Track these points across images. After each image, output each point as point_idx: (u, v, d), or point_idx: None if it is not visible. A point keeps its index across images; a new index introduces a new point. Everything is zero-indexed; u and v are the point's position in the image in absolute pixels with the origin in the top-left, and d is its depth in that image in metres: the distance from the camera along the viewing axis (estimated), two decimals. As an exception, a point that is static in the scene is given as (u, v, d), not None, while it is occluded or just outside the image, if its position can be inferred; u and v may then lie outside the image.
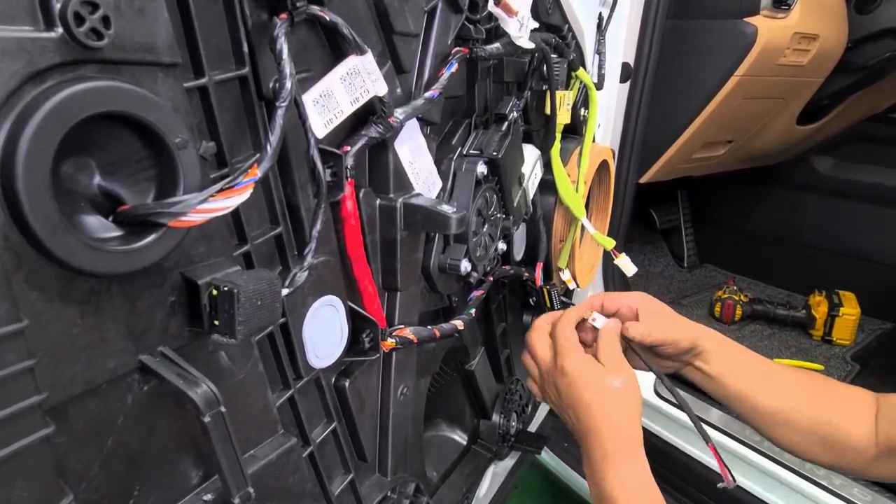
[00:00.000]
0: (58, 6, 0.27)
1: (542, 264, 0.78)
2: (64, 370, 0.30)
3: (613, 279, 1.41)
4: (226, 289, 0.35)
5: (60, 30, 0.27)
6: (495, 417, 0.91)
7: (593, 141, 1.04)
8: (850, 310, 1.57)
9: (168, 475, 0.39)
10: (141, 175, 0.34)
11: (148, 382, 0.36)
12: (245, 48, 0.39)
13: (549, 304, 0.73)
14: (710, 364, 0.71)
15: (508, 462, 1.05)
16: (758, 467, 1.18)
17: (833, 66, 1.35)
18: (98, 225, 0.32)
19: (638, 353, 0.69)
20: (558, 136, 0.85)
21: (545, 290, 0.73)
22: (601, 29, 0.99)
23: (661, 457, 1.33)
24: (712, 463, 1.25)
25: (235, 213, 0.41)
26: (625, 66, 1.18)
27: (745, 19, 1.18)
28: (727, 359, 0.72)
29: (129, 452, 0.36)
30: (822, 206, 1.81)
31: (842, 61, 1.34)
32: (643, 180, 1.42)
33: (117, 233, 0.33)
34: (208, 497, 0.41)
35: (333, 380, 0.56)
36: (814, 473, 1.13)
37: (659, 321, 0.70)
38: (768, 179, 1.89)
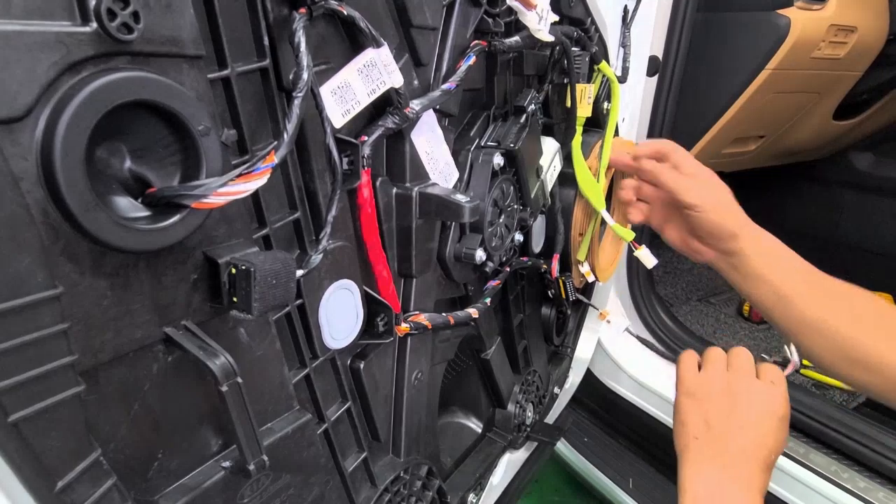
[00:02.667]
0: (92, 2, 0.30)
1: (558, 256, 0.78)
2: (95, 337, 0.33)
3: (638, 275, 1.40)
4: (243, 268, 0.38)
5: (95, 24, 0.30)
6: (511, 407, 0.92)
7: (616, 134, 1.04)
8: (886, 312, 1.52)
9: (190, 441, 0.42)
10: (168, 160, 0.37)
11: (172, 353, 0.39)
12: (266, 41, 0.41)
13: (564, 296, 0.74)
14: (751, 258, 0.67)
15: (524, 452, 1.06)
16: (783, 470, 1.16)
17: (872, 59, 1.31)
18: (128, 205, 0.35)
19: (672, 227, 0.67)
20: (579, 128, 0.85)
21: (560, 282, 0.74)
22: (626, 22, 0.98)
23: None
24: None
25: (255, 198, 0.43)
26: (653, 59, 1.17)
27: (779, 11, 1.15)
28: (772, 256, 0.67)
29: (154, 417, 0.39)
30: (860, 204, 1.76)
31: (882, 54, 1.30)
32: (670, 176, 1.40)
33: (145, 213, 0.35)
34: (227, 464, 0.44)
35: (349, 361, 0.59)
36: (839, 477, 1.11)
37: (708, 191, 0.66)
38: (804, 176, 1.84)
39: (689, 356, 0.70)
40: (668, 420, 1.36)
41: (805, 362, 1.14)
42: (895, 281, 1.66)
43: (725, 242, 0.66)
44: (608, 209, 1.07)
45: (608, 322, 0.91)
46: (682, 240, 0.69)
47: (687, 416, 0.65)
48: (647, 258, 0.86)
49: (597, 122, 0.93)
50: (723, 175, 1.72)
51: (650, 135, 1.23)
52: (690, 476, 0.59)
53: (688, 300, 1.82)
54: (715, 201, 0.66)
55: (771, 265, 0.67)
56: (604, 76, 0.89)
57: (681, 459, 0.62)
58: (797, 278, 0.67)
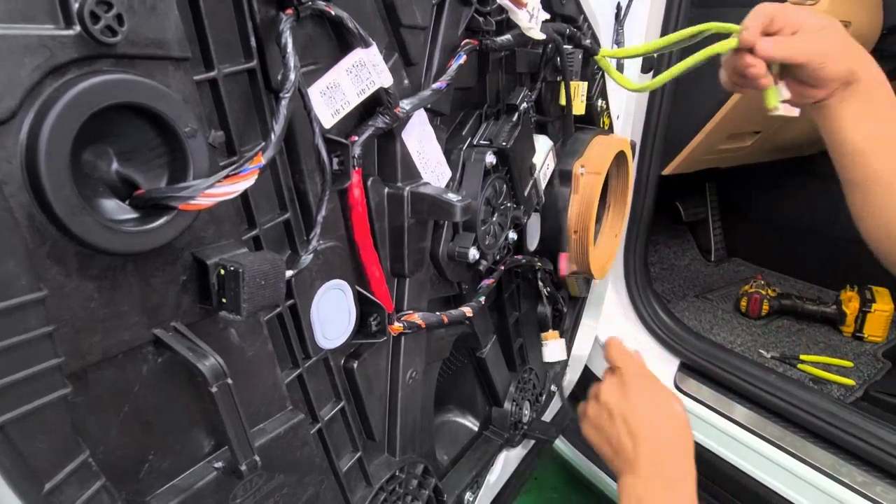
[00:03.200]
0: (76, 6, 0.30)
1: (566, 255, 0.78)
2: (82, 339, 0.33)
3: (635, 272, 1.40)
4: (232, 269, 0.38)
5: (78, 27, 0.30)
6: (507, 405, 0.92)
7: (611, 131, 1.04)
8: (884, 305, 1.52)
9: (181, 442, 0.42)
10: (155, 162, 0.37)
11: (162, 355, 0.39)
12: (253, 42, 0.41)
13: (577, 294, 0.73)
14: (862, 104, 0.63)
15: (521, 450, 1.06)
16: (781, 465, 1.17)
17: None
18: (115, 207, 0.35)
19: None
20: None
21: (571, 281, 0.73)
22: (619, 19, 0.98)
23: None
24: (735, 460, 1.25)
25: (244, 199, 0.43)
26: (647, 56, 1.17)
27: (773, 7, 1.15)
28: (885, 104, 0.63)
29: (144, 419, 0.39)
30: (857, 199, 1.75)
31: (876, 48, 1.30)
32: (666, 172, 1.41)
33: (133, 215, 0.35)
34: (219, 465, 0.44)
35: (342, 361, 0.59)
36: (836, 471, 1.11)
37: (832, 41, 0.60)
38: (800, 171, 1.84)
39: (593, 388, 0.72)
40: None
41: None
42: (892, 275, 1.66)
43: (846, 81, 0.62)
44: (603, 208, 1.08)
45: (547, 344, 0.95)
46: (792, 91, 0.66)
47: (596, 445, 0.68)
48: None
49: (590, 120, 0.94)
50: (721, 171, 1.71)
51: (645, 132, 1.23)
52: (620, 489, 0.62)
53: (685, 296, 1.82)
54: (836, 47, 0.61)
55: (882, 113, 0.63)
56: (599, 72, 0.89)
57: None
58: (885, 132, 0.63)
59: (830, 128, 0.66)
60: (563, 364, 1.16)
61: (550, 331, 0.95)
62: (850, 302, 1.58)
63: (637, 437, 0.61)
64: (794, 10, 0.63)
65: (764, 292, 1.67)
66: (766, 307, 1.65)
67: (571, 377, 1.25)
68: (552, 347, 0.94)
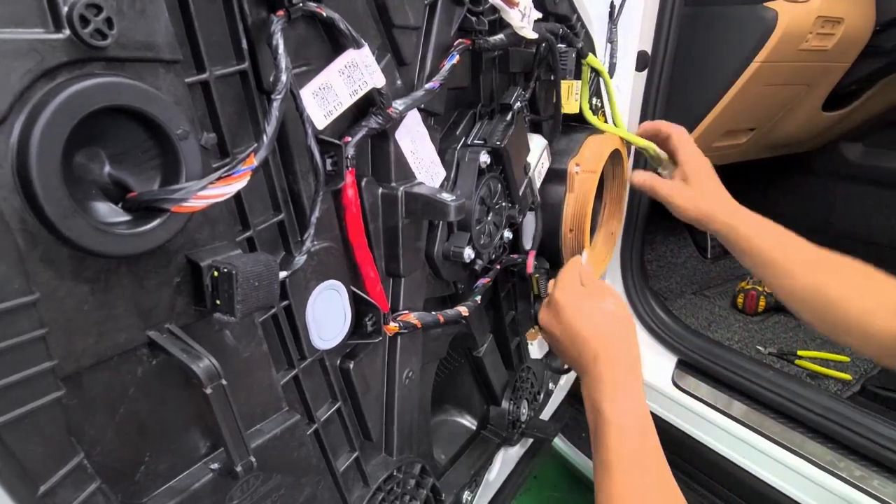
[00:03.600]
0: (65, 9, 0.30)
1: (534, 252, 0.80)
2: (76, 342, 0.33)
3: (632, 269, 1.40)
4: (225, 270, 0.38)
5: (68, 31, 0.30)
6: (505, 404, 0.92)
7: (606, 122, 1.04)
8: (879, 301, 1.52)
9: (177, 444, 0.42)
10: (147, 164, 0.37)
11: (156, 357, 0.39)
12: (244, 44, 0.41)
13: (536, 292, 0.74)
14: (728, 241, 0.78)
15: (520, 449, 1.06)
16: (780, 461, 1.17)
17: (860, 50, 1.31)
18: (108, 210, 0.35)
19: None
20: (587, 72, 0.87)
21: (534, 278, 0.74)
22: (613, 18, 0.98)
23: (680, 448, 1.33)
24: (733, 455, 1.25)
25: (238, 200, 0.44)
26: (641, 54, 1.17)
27: (766, 4, 1.15)
28: (743, 239, 0.77)
29: (140, 421, 0.39)
30: (852, 195, 1.76)
31: (870, 45, 1.30)
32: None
33: (125, 218, 0.35)
34: (215, 466, 0.44)
35: (338, 361, 0.59)
36: (834, 466, 1.11)
37: (687, 192, 0.78)
38: (796, 168, 1.84)
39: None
40: (663, 413, 1.36)
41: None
42: (886, 270, 1.66)
43: (703, 227, 0.79)
44: (598, 207, 1.08)
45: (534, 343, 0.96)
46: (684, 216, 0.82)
47: (557, 352, 0.75)
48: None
49: (584, 119, 0.94)
50: (716, 168, 1.73)
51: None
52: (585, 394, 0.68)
53: (682, 294, 1.82)
54: (688, 200, 0.78)
55: (761, 237, 0.76)
56: (592, 71, 0.89)
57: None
58: (787, 248, 0.75)
59: (740, 259, 0.81)
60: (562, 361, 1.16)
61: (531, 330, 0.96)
62: (846, 297, 1.58)
63: (581, 347, 0.67)
64: (664, 126, 0.86)
65: (760, 289, 1.67)
66: (762, 303, 1.66)
67: (570, 375, 1.25)
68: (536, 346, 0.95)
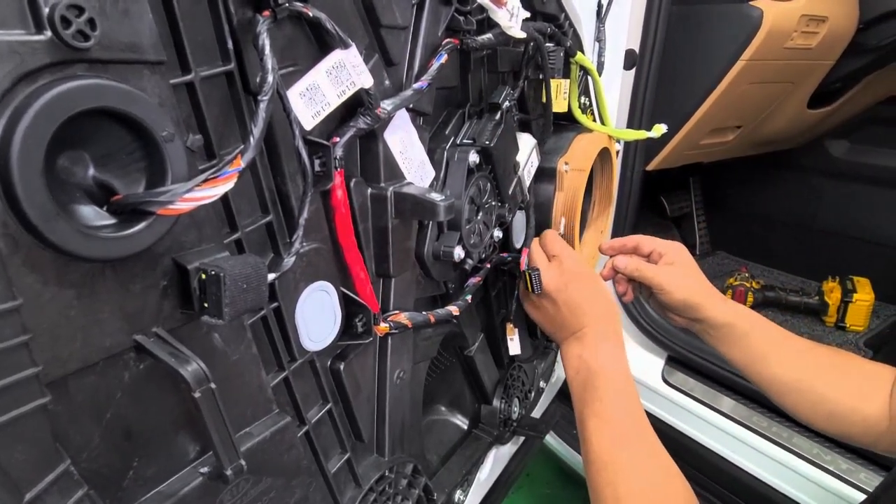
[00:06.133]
0: (46, 10, 0.29)
1: (527, 250, 0.80)
2: (61, 347, 0.33)
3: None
4: (213, 273, 0.38)
5: (49, 32, 0.30)
6: (496, 402, 0.92)
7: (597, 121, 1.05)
8: (864, 296, 1.55)
9: (166, 449, 0.42)
10: (132, 167, 0.36)
11: (143, 361, 0.39)
12: (230, 45, 0.41)
13: (531, 289, 0.75)
14: (715, 337, 0.77)
15: (511, 447, 1.07)
16: (768, 455, 1.18)
17: (844, 48, 1.33)
18: (92, 213, 0.35)
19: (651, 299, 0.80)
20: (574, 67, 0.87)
21: (527, 275, 0.75)
22: (601, 17, 0.99)
23: (669, 443, 1.34)
24: (722, 450, 1.26)
25: (225, 202, 0.43)
26: (629, 53, 1.18)
27: (751, 3, 1.17)
28: (734, 336, 0.76)
29: (127, 426, 0.39)
30: (837, 191, 1.78)
31: (853, 43, 1.32)
32: (650, 167, 1.42)
33: (110, 221, 0.35)
34: (204, 470, 0.44)
35: (329, 363, 0.58)
36: (821, 459, 1.13)
37: (673, 276, 0.77)
38: (782, 164, 1.86)
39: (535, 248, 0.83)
40: (653, 409, 1.37)
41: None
42: (872, 266, 1.69)
43: (688, 314, 0.77)
44: (588, 205, 1.08)
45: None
46: (658, 305, 0.82)
47: (538, 322, 0.81)
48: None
49: (573, 118, 0.94)
50: (704, 166, 1.74)
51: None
52: (563, 352, 0.74)
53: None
54: (675, 282, 0.77)
55: (730, 339, 0.76)
56: (581, 69, 0.90)
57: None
58: (764, 341, 0.76)
59: (717, 348, 0.79)
60: (552, 360, 1.17)
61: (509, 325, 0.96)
62: (832, 292, 1.60)
63: (577, 313, 0.73)
64: (658, 243, 0.82)
65: (749, 284, 1.69)
66: (750, 299, 1.68)
67: (561, 373, 1.26)
68: (516, 341, 0.96)
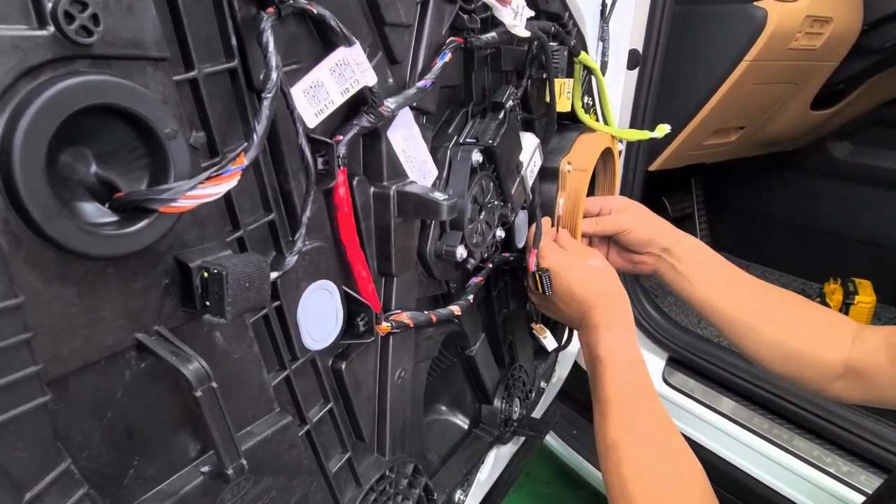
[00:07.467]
0: (49, 5, 0.29)
1: (535, 251, 0.80)
2: (62, 345, 0.33)
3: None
4: (215, 271, 0.37)
5: (52, 28, 0.29)
6: (497, 402, 0.92)
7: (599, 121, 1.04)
8: (866, 297, 1.55)
9: (167, 447, 0.42)
10: (135, 164, 0.36)
11: (145, 359, 0.38)
12: (234, 42, 0.40)
13: (541, 290, 0.75)
14: (682, 266, 0.80)
15: (512, 447, 1.07)
16: (769, 456, 1.18)
17: (848, 49, 1.32)
18: (94, 211, 0.34)
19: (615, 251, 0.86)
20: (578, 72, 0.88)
21: (537, 276, 0.75)
22: (605, 16, 0.98)
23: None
24: (722, 451, 1.26)
25: (228, 200, 0.43)
26: (633, 53, 1.17)
27: (755, 3, 1.16)
28: (701, 265, 0.80)
29: (128, 424, 0.38)
30: (840, 193, 1.78)
31: (857, 44, 1.31)
32: (653, 168, 1.42)
33: (113, 218, 0.35)
34: (205, 469, 0.43)
35: (330, 362, 0.58)
36: (822, 461, 1.13)
37: (632, 216, 0.83)
38: (784, 166, 1.86)
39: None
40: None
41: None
42: (874, 268, 1.68)
43: (655, 246, 0.81)
44: (592, 190, 1.08)
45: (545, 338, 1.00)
46: (626, 259, 0.86)
47: (551, 315, 0.84)
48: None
49: (577, 118, 0.94)
50: (706, 166, 1.74)
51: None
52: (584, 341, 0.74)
53: (672, 291, 1.83)
54: (635, 220, 0.83)
55: (697, 269, 0.80)
56: (584, 69, 0.89)
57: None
58: (727, 284, 0.79)
59: (678, 292, 0.83)
60: (553, 360, 1.16)
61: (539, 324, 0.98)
62: (834, 294, 1.60)
63: (583, 304, 0.73)
64: (603, 199, 0.89)
65: (749, 286, 1.68)
66: (751, 300, 1.67)
67: (561, 374, 1.26)
68: (550, 337, 0.99)
